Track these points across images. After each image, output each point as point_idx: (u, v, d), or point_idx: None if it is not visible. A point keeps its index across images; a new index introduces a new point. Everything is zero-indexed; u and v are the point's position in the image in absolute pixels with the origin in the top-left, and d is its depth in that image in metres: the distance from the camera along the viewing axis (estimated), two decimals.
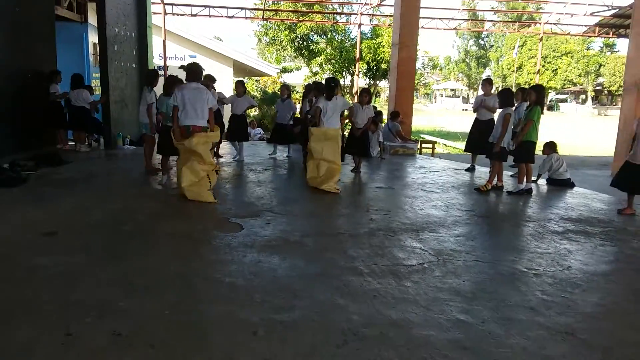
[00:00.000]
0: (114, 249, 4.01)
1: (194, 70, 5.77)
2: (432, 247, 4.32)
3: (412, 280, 3.52)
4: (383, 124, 10.55)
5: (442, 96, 60.43)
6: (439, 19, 18.59)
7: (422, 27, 12.82)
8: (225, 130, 8.58)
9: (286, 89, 9.63)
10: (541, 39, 20.62)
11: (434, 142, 13.52)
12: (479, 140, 8.08)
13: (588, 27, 19.47)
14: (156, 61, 18.12)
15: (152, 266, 3.65)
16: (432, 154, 12.20)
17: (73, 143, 9.56)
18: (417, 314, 3.00)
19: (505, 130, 6.52)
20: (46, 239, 4.18)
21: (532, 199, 6.60)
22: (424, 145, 12.92)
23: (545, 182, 7.73)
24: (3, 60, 7.81)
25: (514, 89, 10.09)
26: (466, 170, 8.68)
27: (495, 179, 6.89)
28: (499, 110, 6.95)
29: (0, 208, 5.10)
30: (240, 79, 8.43)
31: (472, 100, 54.43)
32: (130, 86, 10.60)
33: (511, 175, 8.08)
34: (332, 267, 3.74)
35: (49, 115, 8.97)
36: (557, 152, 7.81)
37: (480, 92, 8.68)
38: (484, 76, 60.68)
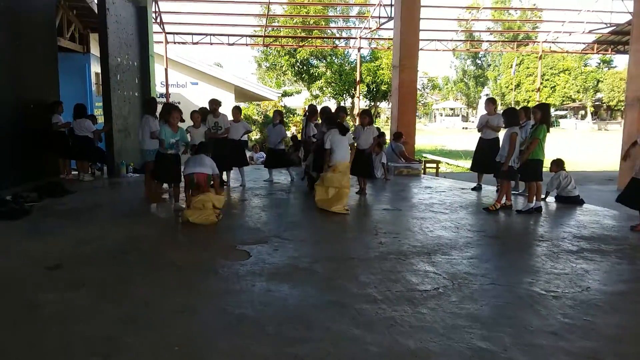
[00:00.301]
0: (118, 281, 3.91)
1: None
2: (445, 270, 4.21)
3: (428, 307, 3.41)
4: (386, 146, 10.53)
5: (441, 115, 60.78)
6: (438, 40, 18.74)
7: (421, 49, 12.87)
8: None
9: (278, 114, 9.54)
10: (540, 57, 20.73)
11: (437, 162, 13.46)
12: (485, 159, 8.04)
13: (586, 45, 19.61)
14: (158, 89, 18.30)
15: (158, 298, 3.54)
16: (437, 174, 12.14)
17: (77, 172, 9.54)
18: (436, 343, 2.88)
19: (512, 149, 6.46)
20: (50, 272, 4.08)
21: (542, 218, 6.50)
22: (427, 164, 12.87)
23: (554, 199, 7.63)
24: (5, 92, 7.83)
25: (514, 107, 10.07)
26: (473, 189, 8.60)
27: (504, 197, 6.81)
28: (504, 129, 6.91)
29: (3, 241, 5.02)
30: (237, 104, 8.33)
31: (472, 119, 54.90)
32: (133, 115, 10.62)
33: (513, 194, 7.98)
34: (344, 295, 3.62)
35: (52, 145, 8.96)
36: (564, 170, 7.73)
37: (483, 111, 8.62)
38: (482, 95, 61.22)
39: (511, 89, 52.98)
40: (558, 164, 7.74)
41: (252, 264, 4.36)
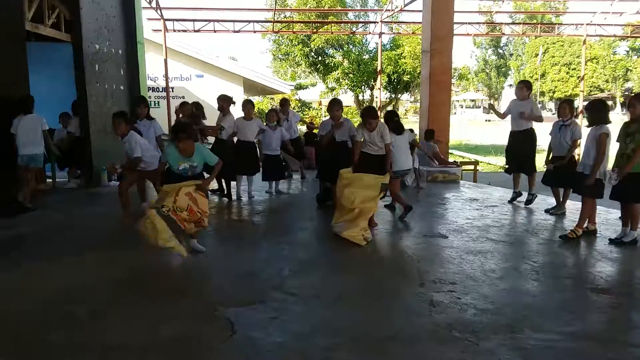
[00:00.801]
0: None
1: None
2: None
3: None
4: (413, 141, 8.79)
5: (462, 107, 58.61)
6: (469, 23, 16.83)
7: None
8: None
9: (275, 113, 7.73)
10: (584, 42, 18.66)
11: (476, 162, 11.50)
12: (518, 156, 6.69)
13: (634, 28, 17.53)
14: (160, 82, 16.79)
15: None
16: (474, 178, 10.31)
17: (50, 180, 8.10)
18: None
19: (602, 155, 4.71)
20: None
21: None
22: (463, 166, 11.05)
23: None
24: None
25: (539, 98, 8.19)
26: (509, 202, 6.96)
27: (587, 221, 5.07)
28: (586, 128, 5.15)
29: None
30: (248, 98, 6.55)
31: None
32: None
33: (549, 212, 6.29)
34: None
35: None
36: None
37: (507, 102, 6.95)
38: (505, 85, 58.80)
39: (536, 79, 50.68)
40: None
41: (235, 349, 2.74)
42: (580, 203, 5.06)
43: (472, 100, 59.97)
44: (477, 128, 35.97)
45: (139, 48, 9.84)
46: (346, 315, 3.23)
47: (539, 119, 6.56)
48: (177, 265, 4.29)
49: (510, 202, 6.92)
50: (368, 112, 5.54)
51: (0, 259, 4.39)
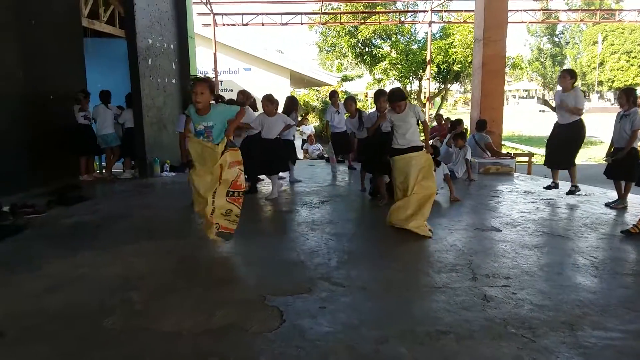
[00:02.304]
0: None
1: None
2: None
3: None
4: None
5: (514, 97, 56.67)
6: (523, 10, 16.16)
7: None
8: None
9: (352, 100, 7.61)
10: None
11: (530, 154, 11.03)
12: (557, 150, 6.41)
13: None
14: (209, 76, 17.11)
15: None
16: (529, 171, 9.93)
17: (105, 171, 8.48)
18: None
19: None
20: None
21: None
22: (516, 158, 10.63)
23: None
24: (17, 82, 6.68)
25: (597, 88, 7.71)
26: (545, 187, 6.77)
27: None
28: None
29: None
30: (268, 94, 6.32)
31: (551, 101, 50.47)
32: (170, 105, 9.31)
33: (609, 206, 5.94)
34: None
35: (73, 141, 7.83)
36: None
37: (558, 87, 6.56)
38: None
39: (594, 68, 48.23)
40: None
41: (284, 338, 2.74)
42: None
43: (526, 90, 57.87)
44: (530, 119, 34.59)
45: (190, 42, 10.05)
46: (395, 308, 3.18)
47: (578, 111, 6.16)
48: (227, 254, 4.36)
49: (546, 188, 6.78)
50: (392, 96, 5.14)
51: (60, 247, 4.59)
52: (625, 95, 5.72)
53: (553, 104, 6.70)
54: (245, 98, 6.90)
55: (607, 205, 5.97)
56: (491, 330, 2.82)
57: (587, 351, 2.57)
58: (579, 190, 6.44)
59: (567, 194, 6.45)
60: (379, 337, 2.75)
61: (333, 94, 8.89)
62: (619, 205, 5.85)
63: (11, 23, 6.61)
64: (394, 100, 5.07)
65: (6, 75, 6.56)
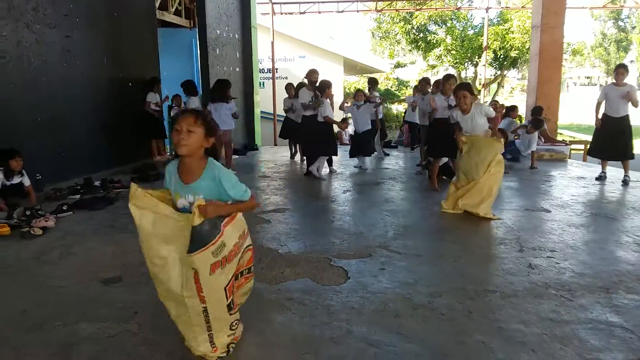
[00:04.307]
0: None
1: None
2: (638, 323, 2.72)
3: None
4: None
5: (575, 85, 54.36)
6: None
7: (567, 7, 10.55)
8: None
9: (362, 93, 8.15)
10: None
11: (586, 142, 10.97)
12: (610, 142, 6.62)
13: None
14: (265, 64, 17.76)
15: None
16: (585, 158, 9.92)
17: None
18: None
19: None
20: (104, 289, 3.30)
21: None
22: (572, 146, 10.64)
23: None
24: (101, 69, 7.46)
25: None
26: (596, 179, 6.87)
27: None
28: None
29: (70, 240, 4.40)
30: (290, 83, 7.16)
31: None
32: (234, 92, 9.94)
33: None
34: None
35: (143, 126, 8.55)
36: None
37: (635, 72, 6.71)
38: (626, 61, 53.41)
39: None
40: None
41: (350, 291, 3.22)
42: None
43: (587, 77, 55.34)
44: (591, 108, 33.32)
45: (252, 32, 10.64)
46: (447, 271, 3.59)
47: (636, 104, 6.40)
48: (295, 225, 4.89)
49: (598, 179, 6.91)
50: (461, 87, 5.25)
51: None
52: None
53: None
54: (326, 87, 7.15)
55: None
56: (533, 291, 3.19)
57: (619, 309, 2.90)
58: (630, 179, 6.61)
59: (622, 184, 6.57)
60: (432, 292, 3.18)
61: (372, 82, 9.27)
62: None
63: (98, 16, 7.36)
64: (460, 88, 5.12)
65: (95, 63, 7.33)
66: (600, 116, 6.77)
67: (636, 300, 3.01)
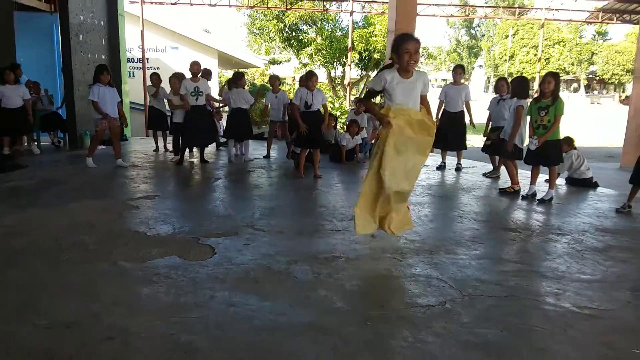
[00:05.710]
0: (40, 292, 3.07)
1: None
2: (451, 276, 3.43)
3: (433, 332, 2.63)
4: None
5: (433, 87, 59.68)
6: (435, 5, 17.61)
7: (418, 14, 11.85)
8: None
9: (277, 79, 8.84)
10: (543, 25, 19.69)
11: None
12: (449, 135, 7.56)
13: (590, 13, 18.62)
14: (135, 53, 17.10)
15: (86, 318, 2.71)
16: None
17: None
18: None
19: (518, 124, 5.65)
20: None
21: (555, 205, 5.73)
22: None
23: (565, 182, 6.89)
24: None
25: (509, 79, 9.19)
26: (437, 168, 7.97)
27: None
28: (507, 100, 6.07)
29: None
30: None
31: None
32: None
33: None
34: (326, 313, 2.83)
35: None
36: (575, 149, 6.96)
37: (475, 81, 7.99)
38: (475, 66, 60.04)
39: (505, 60, 51.95)
40: (569, 143, 6.96)
41: (215, 264, 3.55)
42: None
43: (444, 80, 61.09)
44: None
45: (119, 20, 10.31)
46: (303, 244, 4.08)
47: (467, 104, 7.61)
48: (165, 209, 5.05)
49: (438, 169, 7.95)
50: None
51: (8, 206, 5.06)
52: (505, 83, 7.01)
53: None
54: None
55: (485, 175, 7.26)
56: (372, 255, 3.80)
57: (437, 266, 3.61)
58: (462, 167, 7.80)
59: (456, 170, 7.70)
60: (289, 260, 3.64)
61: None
62: (494, 175, 7.16)
63: None
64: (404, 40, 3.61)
65: None
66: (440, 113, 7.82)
67: (452, 259, 3.76)
